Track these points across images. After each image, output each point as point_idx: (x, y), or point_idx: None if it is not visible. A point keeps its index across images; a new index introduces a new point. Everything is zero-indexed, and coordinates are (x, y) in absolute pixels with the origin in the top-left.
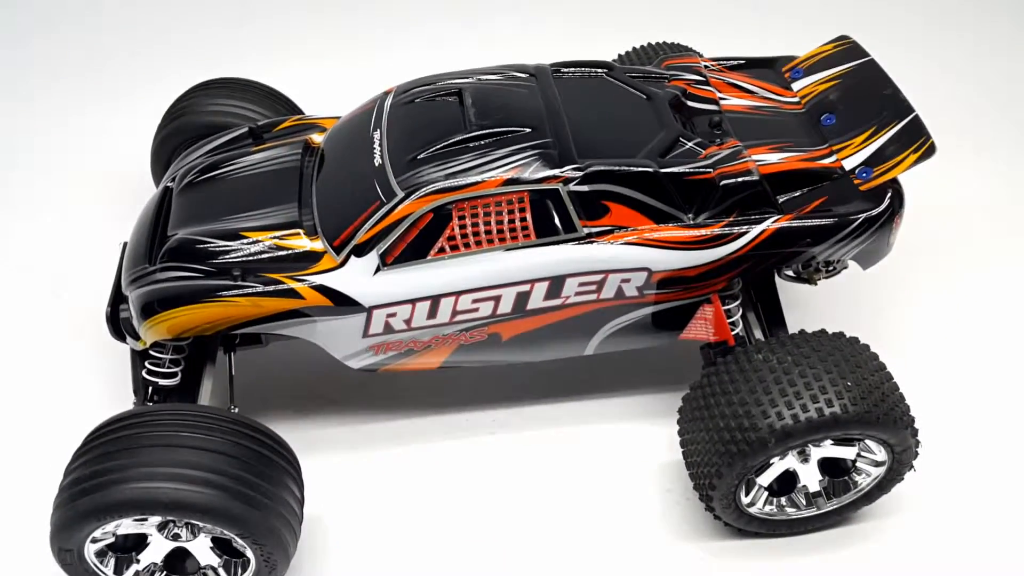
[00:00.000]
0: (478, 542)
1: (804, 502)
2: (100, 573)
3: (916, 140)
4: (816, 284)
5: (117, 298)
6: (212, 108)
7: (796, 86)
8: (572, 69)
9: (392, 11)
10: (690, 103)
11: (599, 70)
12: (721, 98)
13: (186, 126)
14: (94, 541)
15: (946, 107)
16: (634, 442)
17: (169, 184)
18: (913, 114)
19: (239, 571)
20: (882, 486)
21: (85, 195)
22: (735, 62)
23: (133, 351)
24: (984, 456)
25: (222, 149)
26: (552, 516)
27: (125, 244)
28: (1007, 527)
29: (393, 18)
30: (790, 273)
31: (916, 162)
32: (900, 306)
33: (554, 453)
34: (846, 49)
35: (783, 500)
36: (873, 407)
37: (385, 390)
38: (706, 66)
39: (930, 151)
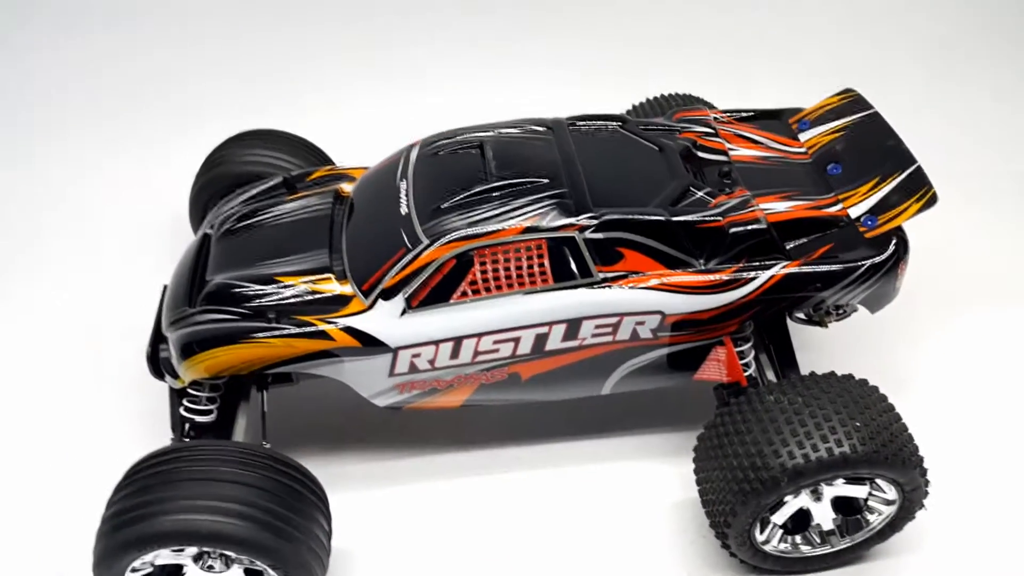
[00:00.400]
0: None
1: (818, 540)
2: None
3: (919, 190)
4: (827, 326)
5: (157, 338)
6: (248, 158)
7: (803, 137)
8: (587, 122)
9: (415, 63)
10: (700, 154)
11: (613, 123)
12: (730, 149)
13: (223, 175)
14: (133, 571)
15: (950, 158)
16: (649, 480)
17: (208, 231)
18: (916, 164)
19: None
20: (894, 525)
21: (122, 242)
22: (744, 114)
23: (171, 389)
24: (994, 494)
25: (258, 198)
26: (569, 552)
27: (165, 287)
28: (1019, 565)
29: (416, 69)
30: (801, 316)
31: (919, 211)
32: (908, 348)
33: (571, 490)
34: (851, 101)
35: (797, 538)
36: (882, 447)
37: (408, 429)
38: (716, 118)
39: (932, 200)
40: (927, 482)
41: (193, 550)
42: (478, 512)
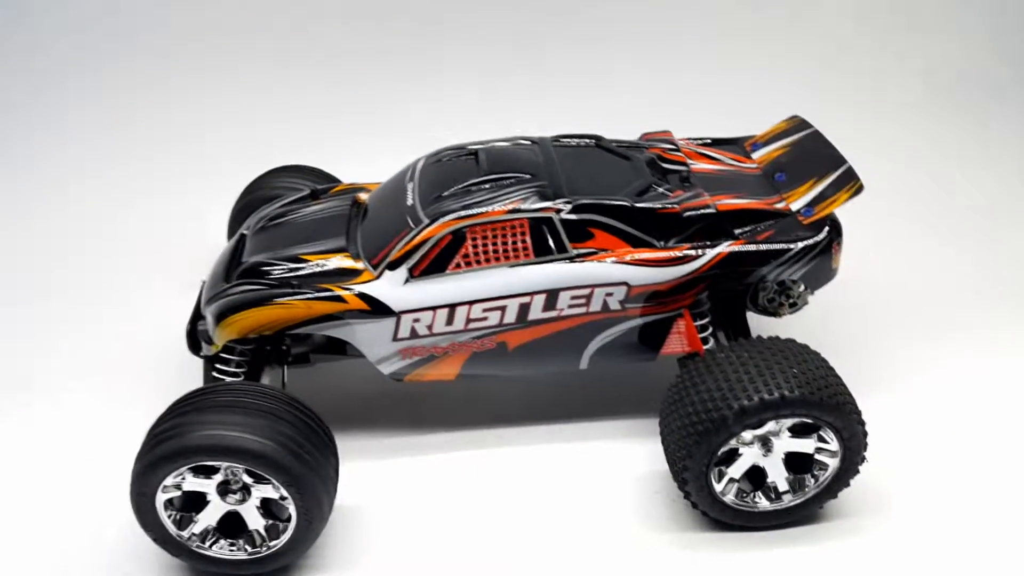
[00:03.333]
0: (482, 536)
1: (773, 495)
2: (164, 523)
3: (848, 183)
4: (781, 316)
5: (196, 317)
6: (279, 184)
7: (755, 156)
8: (567, 139)
9: (422, 101)
10: (664, 165)
11: (589, 140)
12: (690, 163)
13: (259, 198)
14: (164, 490)
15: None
16: (622, 455)
17: (244, 231)
18: (847, 164)
19: (280, 533)
20: (840, 477)
21: (163, 265)
22: (705, 140)
23: (205, 361)
24: (943, 458)
25: (288, 205)
26: (548, 514)
27: (203, 282)
28: (968, 520)
29: (423, 106)
30: (759, 305)
31: (848, 199)
32: (861, 348)
33: (549, 463)
34: (796, 124)
35: (752, 489)
36: (817, 390)
37: (408, 411)
38: (679, 142)
39: (859, 190)
40: (865, 433)
41: (218, 478)
42: (467, 481)
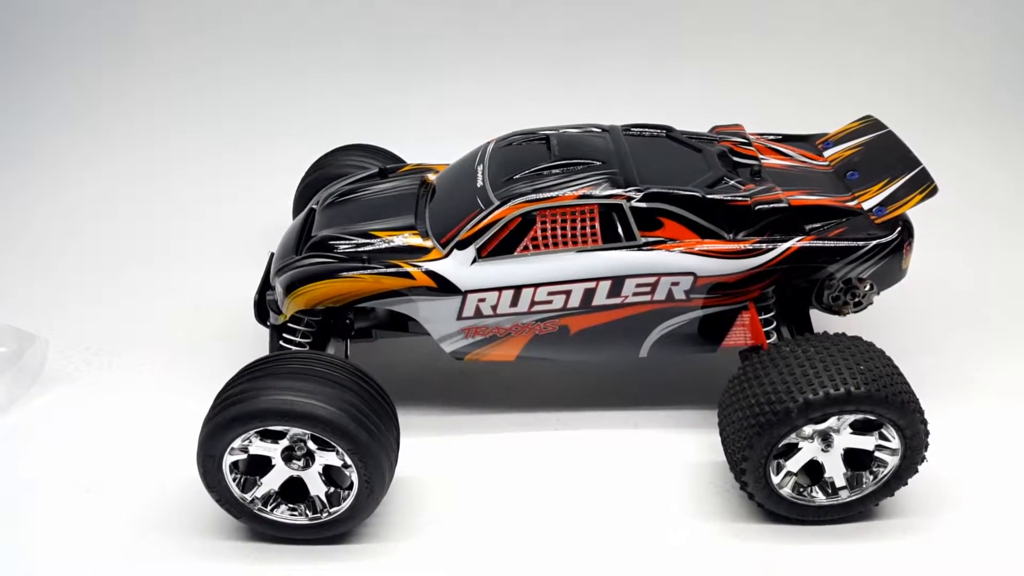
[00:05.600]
0: (534, 516)
1: (830, 490)
2: (228, 485)
3: (922, 184)
4: (845, 315)
5: (264, 287)
6: (345, 162)
7: (826, 154)
8: (638, 128)
9: (489, 90)
10: (735, 159)
11: (660, 131)
12: (762, 158)
13: (325, 176)
14: (231, 452)
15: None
16: (676, 445)
17: (313, 207)
18: (921, 166)
19: (341, 500)
20: (899, 475)
21: (231, 239)
22: (775, 136)
23: (271, 331)
24: (1005, 467)
25: (357, 182)
26: (600, 498)
27: (272, 254)
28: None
29: (489, 95)
30: (823, 303)
31: (922, 200)
32: (927, 352)
33: (606, 448)
34: (869, 124)
35: (810, 483)
36: (882, 388)
37: (466, 390)
38: (750, 136)
39: (933, 192)
40: (927, 431)
41: (284, 443)
42: (523, 461)
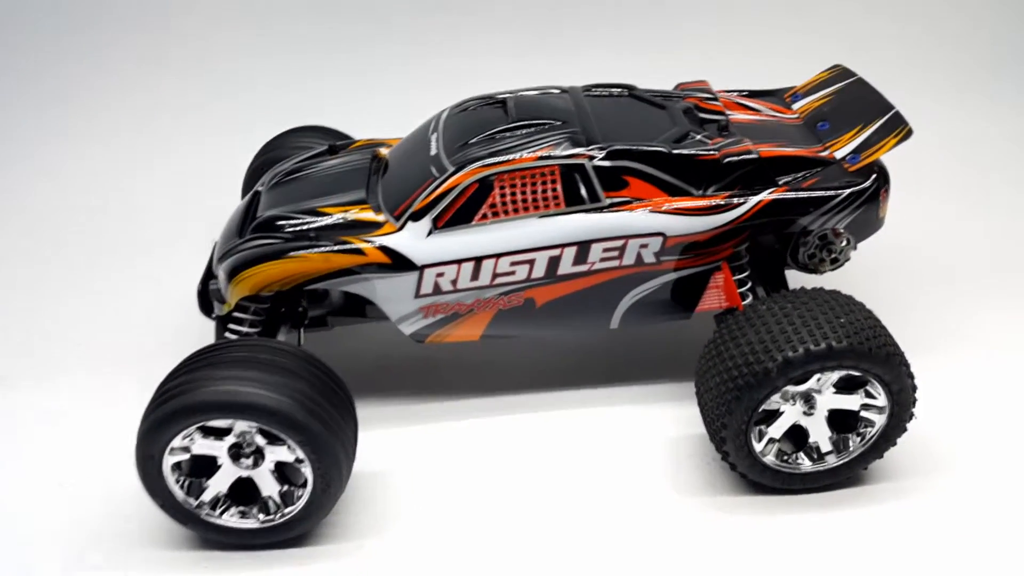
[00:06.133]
0: (509, 503)
1: (816, 456)
2: (172, 489)
3: (896, 128)
4: (822, 273)
5: (207, 278)
6: (296, 145)
7: (795, 106)
8: (599, 87)
9: (441, 66)
10: (701, 115)
11: (622, 89)
12: (729, 114)
13: (274, 159)
14: (172, 452)
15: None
16: (652, 420)
17: (259, 188)
18: (894, 110)
19: (296, 499)
20: (887, 435)
21: (175, 230)
22: (743, 92)
23: (218, 320)
24: (992, 421)
25: (305, 160)
26: (576, 479)
27: (216, 244)
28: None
29: (441, 72)
30: (799, 261)
31: (897, 143)
32: (904, 308)
33: (579, 428)
34: (838, 73)
35: (794, 450)
36: (864, 340)
37: (430, 378)
38: (716, 93)
39: (908, 134)
40: (914, 387)
41: (230, 440)
42: (493, 446)
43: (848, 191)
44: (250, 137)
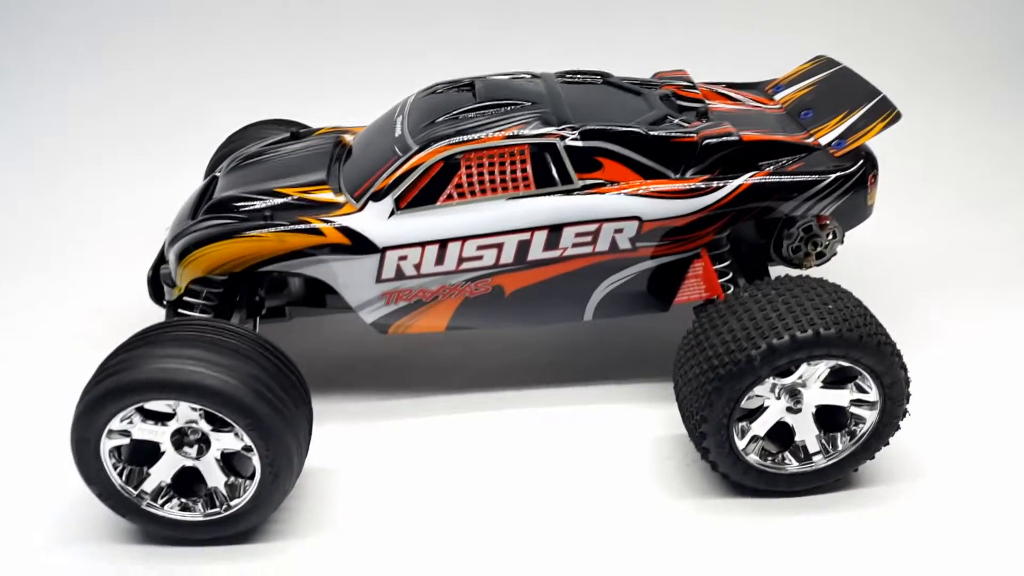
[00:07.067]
0: (479, 505)
1: (802, 455)
2: (109, 476)
3: (883, 112)
4: (807, 268)
5: (159, 262)
6: (257, 137)
7: (777, 97)
8: (572, 74)
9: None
10: (679, 102)
11: (596, 77)
12: (708, 103)
13: (236, 148)
14: (110, 435)
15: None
16: (632, 420)
17: (216, 174)
18: (881, 95)
19: (243, 491)
20: (879, 433)
21: (132, 235)
22: (721, 84)
23: (168, 305)
24: (987, 423)
25: (267, 146)
26: (551, 482)
27: (168, 229)
28: (1003, 491)
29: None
30: (783, 254)
31: (885, 127)
32: (894, 309)
33: (556, 428)
34: (821, 63)
35: (779, 449)
36: (855, 328)
37: (394, 374)
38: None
39: (896, 118)
40: (908, 380)
41: (173, 425)
42: (463, 445)
43: (834, 175)
44: (210, 134)
